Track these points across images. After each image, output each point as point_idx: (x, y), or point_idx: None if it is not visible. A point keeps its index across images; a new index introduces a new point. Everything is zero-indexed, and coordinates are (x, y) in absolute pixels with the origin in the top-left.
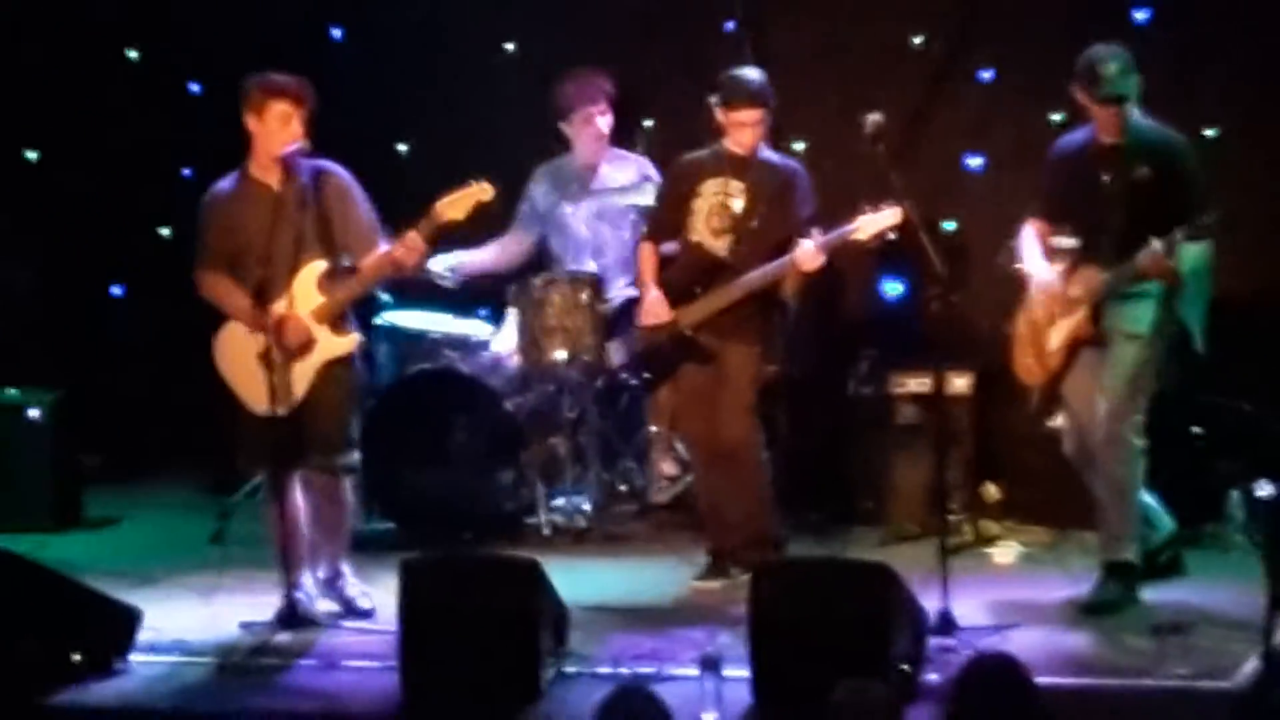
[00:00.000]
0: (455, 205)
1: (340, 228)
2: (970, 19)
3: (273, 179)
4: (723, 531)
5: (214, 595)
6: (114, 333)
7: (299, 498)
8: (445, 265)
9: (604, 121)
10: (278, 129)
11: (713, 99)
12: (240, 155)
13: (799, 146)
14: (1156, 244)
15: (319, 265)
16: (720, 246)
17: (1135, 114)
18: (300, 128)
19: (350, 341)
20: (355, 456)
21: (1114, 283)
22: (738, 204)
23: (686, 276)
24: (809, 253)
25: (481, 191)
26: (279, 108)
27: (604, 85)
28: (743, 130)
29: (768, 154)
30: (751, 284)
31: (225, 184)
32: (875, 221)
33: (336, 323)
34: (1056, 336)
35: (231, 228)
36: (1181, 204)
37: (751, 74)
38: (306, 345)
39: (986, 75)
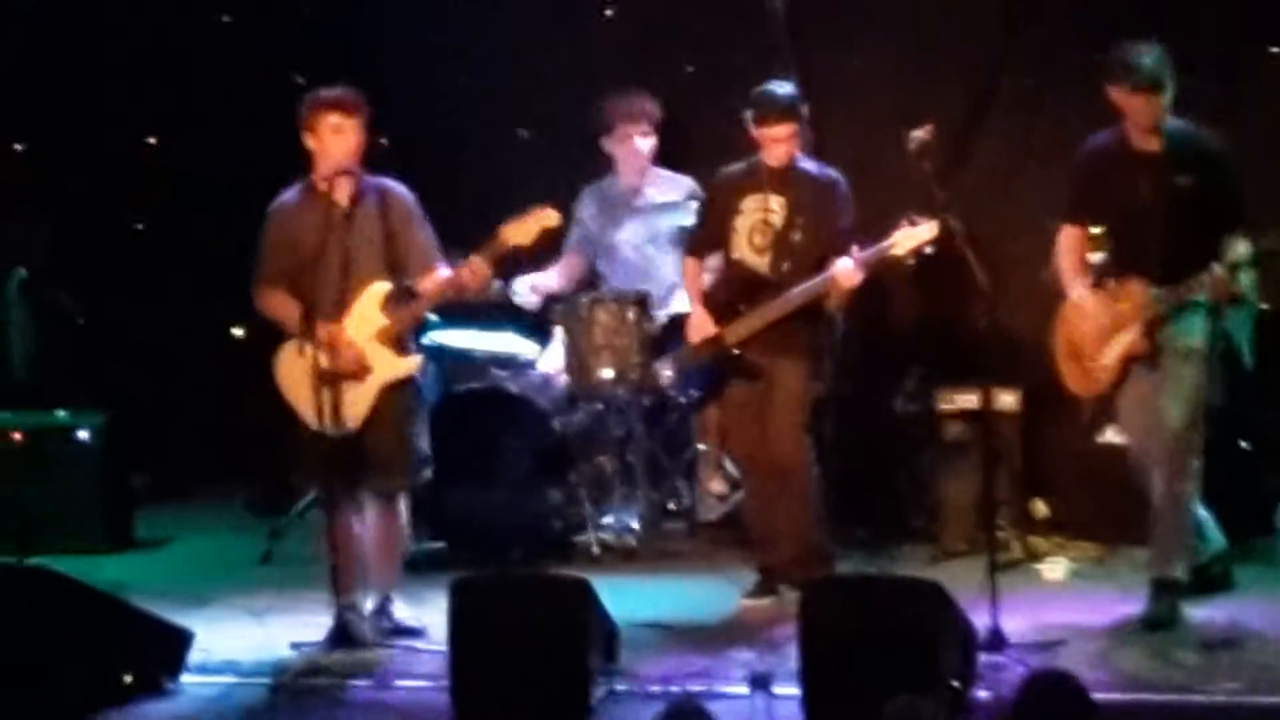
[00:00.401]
0: (520, 230)
1: (402, 247)
2: (1015, 33)
3: (336, 194)
4: (772, 548)
5: (265, 615)
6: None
7: (353, 517)
8: (522, 287)
9: (644, 142)
10: (332, 141)
11: (746, 114)
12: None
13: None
14: (1218, 268)
15: (383, 286)
16: (762, 263)
17: (1170, 119)
18: (355, 139)
19: (412, 364)
20: (420, 476)
21: (1168, 301)
22: (777, 219)
23: (730, 293)
24: (848, 270)
25: (547, 218)
26: (330, 120)
27: (645, 105)
28: (776, 145)
29: (805, 165)
30: (793, 301)
31: (289, 196)
32: (912, 236)
33: (398, 344)
34: (1110, 353)
35: (292, 242)
36: (1226, 215)
37: (782, 88)
38: (362, 370)
39: (1031, 89)
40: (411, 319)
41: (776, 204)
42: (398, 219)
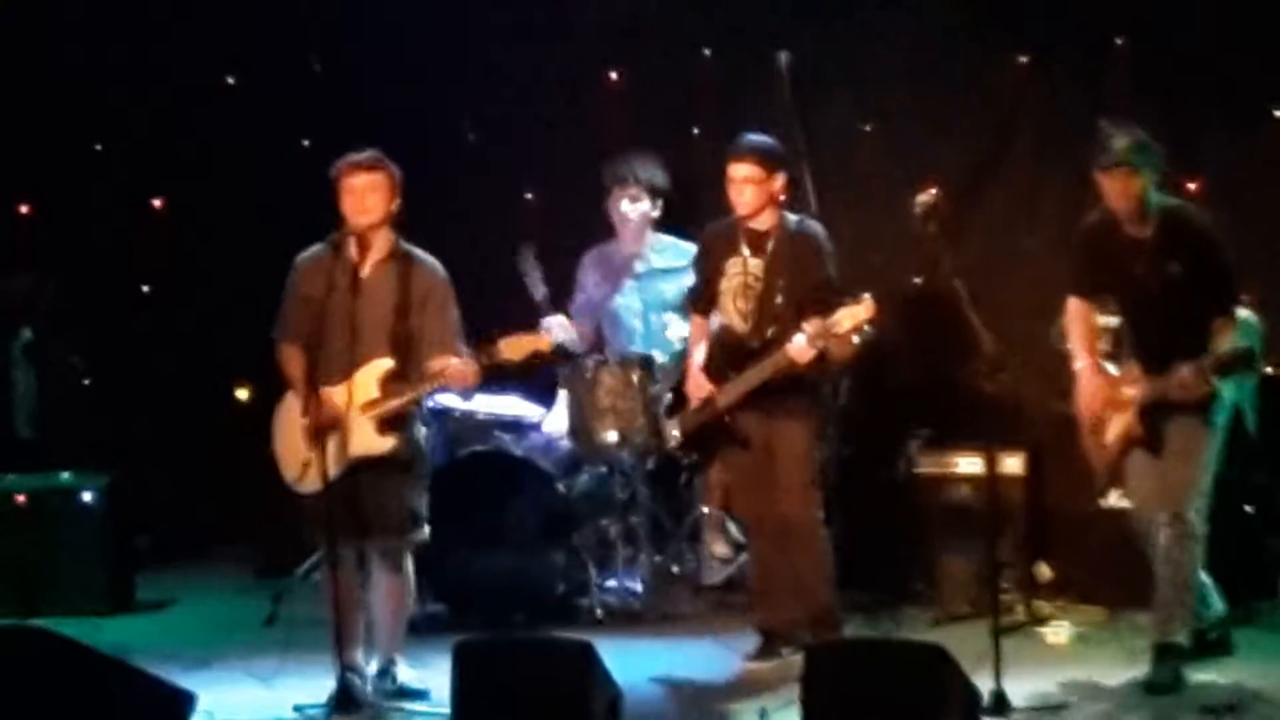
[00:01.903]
0: (514, 348)
1: (414, 324)
2: (1021, 92)
3: (360, 257)
4: (775, 610)
5: (268, 678)
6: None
7: (355, 577)
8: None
9: (633, 207)
10: (357, 203)
11: None
12: None
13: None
14: (1185, 370)
15: (385, 364)
16: (745, 328)
17: (1161, 200)
18: (382, 201)
19: (388, 445)
20: (417, 536)
21: (1155, 393)
22: (757, 283)
23: (719, 357)
24: (800, 348)
25: (541, 342)
26: (354, 182)
27: (637, 168)
28: (733, 187)
29: (784, 220)
30: (761, 376)
31: (314, 250)
32: (850, 315)
33: (384, 422)
34: (1111, 431)
35: (306, 297)
36: (1218, 298)
37: (758, 136)
38: (337, 421)
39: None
40: (402, 401)
41: (755, 266)
42: (417, 295)
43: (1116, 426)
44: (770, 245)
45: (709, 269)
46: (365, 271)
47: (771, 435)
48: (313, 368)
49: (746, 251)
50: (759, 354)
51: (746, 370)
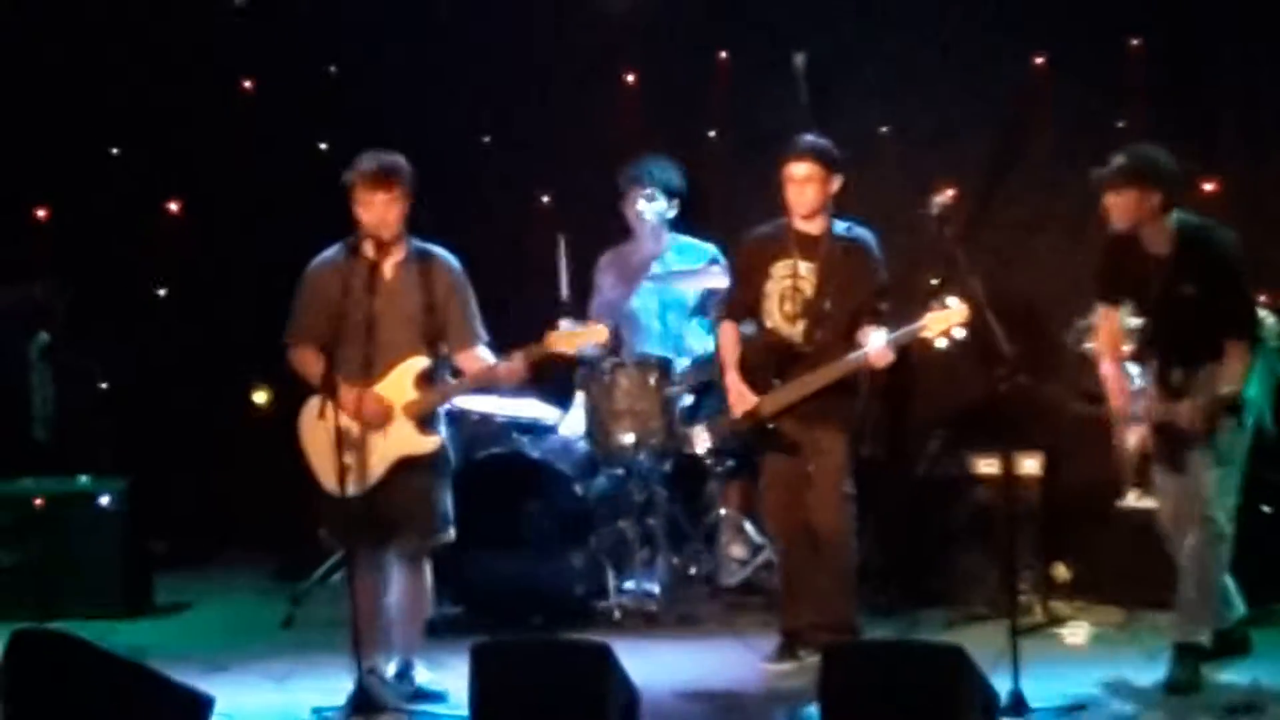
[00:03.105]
0: (569, 340)
1: (441, 318)
2: (1037, 93)
3: (381, 258)
4: (799, 614)
5: (286, 680)
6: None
7: (376, 579)
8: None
9: (649, 207)
10: (381, 215)
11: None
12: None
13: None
14: (1185, 406)
15: (420, 362)
16: (796, 332)
17: (1184, 218)
18: (388, 211)
19: (432, 444)
20: (443, 536)
21: (1167, 418)
22: (808, 286)
23: (764, 363)
24: (880, 350)
25: (598, 334)
26: (374, 198)
27: (653, 168)
28: (794, 187)
29: (835, 226)
30: (829, 376)
31: (329, 254)
32: (943, 318)
33: (424, 421)
34: (1129, 439)
35: (326, 301)
36: (1228, 318)
37: (814, 136)
38: (385, 421)
39: (1054, 152)
40: (442, 398)
41: (806, 270)
42: (440, 291)
43: (1134, 436)
44: (822, 250)
45: (751, 273)
46: (387, 273)
47: (810, 443)
48: (329, 370)
49: (797, 255)
50: (809, 360)
51: (799, 376)
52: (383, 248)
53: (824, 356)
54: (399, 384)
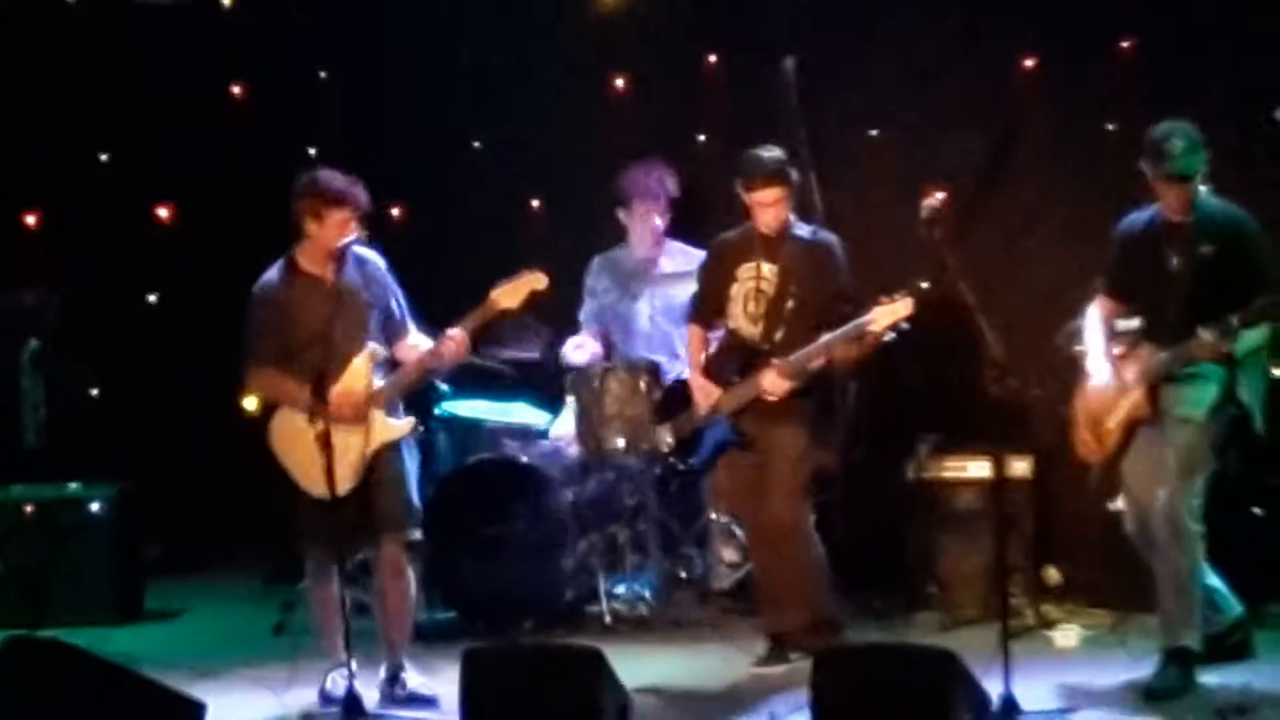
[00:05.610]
0: (510, 294)
1: (381, 315)
2: (1027, 95)
3: (325, 271)
4: (779, 615)
5: (277, 687)
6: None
7: (336, 582)
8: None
9: (660, 220)
10: (337, 233)
11: (736, 180)
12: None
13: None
14: (1205, 334)
15: (377, 351)
16: (755, 332)
17: (1203, 191)
18: (356, 226)
19: (406, 425)
20: (418, 532)
21: (1168, 364)
22: (770, 287)
23: (726, 362)
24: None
25: (536, 280)
26: (339, 215)
27: (664, 181)
28: (764, 210)
29: (798, 230)
30: (746, 395)
31: (274, 277)
32: (889, 313)
33: (389, 408)
34: (1114, 417)
35: (287, 322)
36: (1246, 284)
37: (769, 151)
38: (361, 416)
39: (1043, 155)
40: (397, 388)
41: (769, 271)
42: (376, 287)
43: (1120, 410)
44: (784, 252)
45: (720, 276)
46: (333, 281)
47: (768, 439)
48: (320, 380)
49: (761, 257)
50: (766, 358)
51: (753, 374)
52: (326, 260)
53: (783, 354)
54: (360, 376)
